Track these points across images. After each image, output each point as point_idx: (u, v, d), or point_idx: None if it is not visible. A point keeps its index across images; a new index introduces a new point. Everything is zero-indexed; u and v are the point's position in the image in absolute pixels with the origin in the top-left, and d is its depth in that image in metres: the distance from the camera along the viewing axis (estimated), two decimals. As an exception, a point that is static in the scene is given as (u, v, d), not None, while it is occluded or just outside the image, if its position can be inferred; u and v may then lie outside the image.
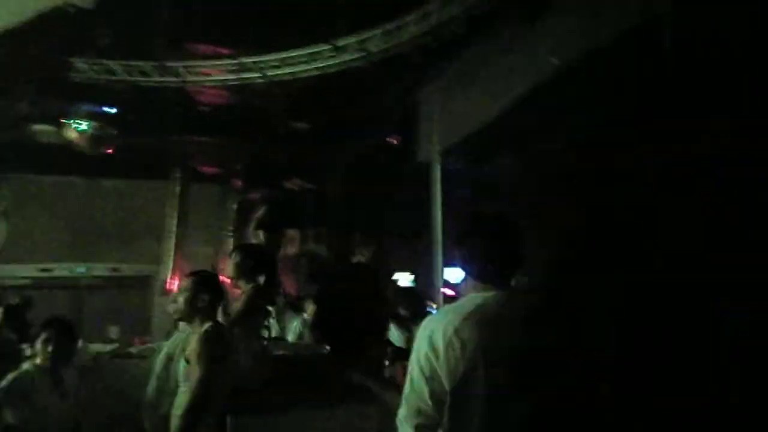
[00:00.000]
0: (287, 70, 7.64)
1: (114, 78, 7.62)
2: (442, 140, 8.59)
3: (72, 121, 8.15)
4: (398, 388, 2.89)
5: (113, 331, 10.08)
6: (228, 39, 7.96)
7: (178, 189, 12.91)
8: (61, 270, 12.39)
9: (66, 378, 2.76)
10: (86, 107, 8.35)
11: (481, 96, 7.66)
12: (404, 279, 15.49)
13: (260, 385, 2.78)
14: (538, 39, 6.36)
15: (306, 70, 7.57)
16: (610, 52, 6.19)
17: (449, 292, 16.11)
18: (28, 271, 12.00)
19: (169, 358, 2.83)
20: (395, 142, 9.83)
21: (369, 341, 3.21)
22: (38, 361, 2.70)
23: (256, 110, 10.86)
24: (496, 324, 1.76)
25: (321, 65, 7.47)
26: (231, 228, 12.96)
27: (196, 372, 2.40)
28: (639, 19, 5.09)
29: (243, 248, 3.60)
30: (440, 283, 9.10)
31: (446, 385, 1.74)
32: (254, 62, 7.68)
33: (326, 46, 7.30)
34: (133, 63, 7.69)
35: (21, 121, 8.98)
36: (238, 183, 13.39)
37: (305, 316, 4.89)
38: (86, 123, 8.12)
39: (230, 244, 13.22)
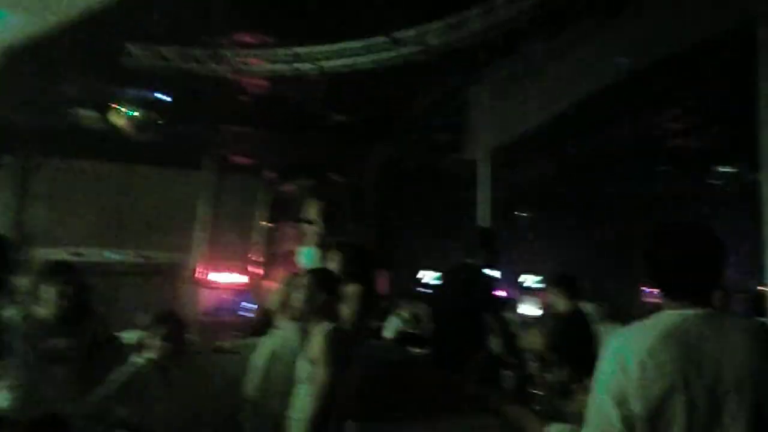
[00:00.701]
0: (342, 61, 7.51)
1: (167, 65, 7.52)
2: (492, 139, 8.45)
3: (121, 106, 8.06)
4: (513, 400, 2.80)
5: (143, 320, 10.03)
6: (281, 28, 7.84)
7: (212, 179, 12.86)
8: (92, 255, 12.36)
9: (174, 375, 2.65)
10: (137, 92, 8.26)
11: (537, 97, 7.51)
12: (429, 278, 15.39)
13: (368, 390, 2.67)
14: (608, 39, 6.21)
15: (362, 62, 7.43)
16: (692, 56, 6.03)
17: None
18: (59, 254, 11.95)
19: (274, 356, 2.72)
20: (443, 139, 9.70)
21: (476, 347, 3.10)
22: (152, 355, 2.60)
23: (295, 101, 10.77)
24: (700, 347, 1.62)
25: (377, 57, 7.34)
26: (267, 220, 12.92)
27: (321, 374, 2.29)
28: (729, 23, 4.91)
29: (348, 247, 3.46)
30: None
31: (638, 410, 1.61)
32: (309, 53, 7.55)
33: (383, 38, 7.16)
34: (186, 50, 7.59)
35: (66, 105, 8.91)
36: (272, 175, 13.32)
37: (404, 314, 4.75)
38: (135, 108, 8.03)
39: (262, 235, 13.22)
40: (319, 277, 2.54)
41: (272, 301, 2.86)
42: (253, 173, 13.16)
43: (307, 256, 4.94)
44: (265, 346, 2.80)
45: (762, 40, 4.59)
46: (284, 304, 2.84)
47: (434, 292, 3.50)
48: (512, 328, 3.18)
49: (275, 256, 13.22)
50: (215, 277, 12.79)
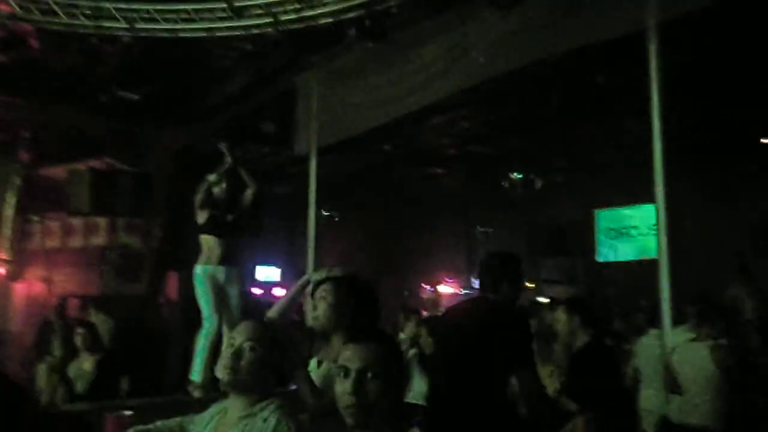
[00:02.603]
0: (164, 26, 6.18)
1: None
2: (321, 137, 7.76)
3: None
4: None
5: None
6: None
7: (-60, 154, 10.05)
8: None
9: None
10: None
11: (378, 96, 6.98)
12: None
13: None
14: (480, 35, 5.91)
15: (190, 30, 6.20)
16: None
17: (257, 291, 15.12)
18: None
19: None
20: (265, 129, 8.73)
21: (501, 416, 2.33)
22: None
23: (73, 66, 8.85)
24: None
25: (210, 26, 6.18)
26: (19, 209, 10.45)
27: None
28: (619, 32, 4.89)
29: (348, 278, 2.40)
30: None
31: None
32: (118, 9, 6.07)
33: (221, 4, 6.04)
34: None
35: None
36: (25, 155, 10.85)
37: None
38: None
39: (12, 228, 10.71)
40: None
41: (223, 365, 1.83)
42: (2, 151, 10.59)
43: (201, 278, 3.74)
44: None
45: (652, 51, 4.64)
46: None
47: (438, 336, 2.60)
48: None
49: (29, 255, 10.84)
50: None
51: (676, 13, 4.81)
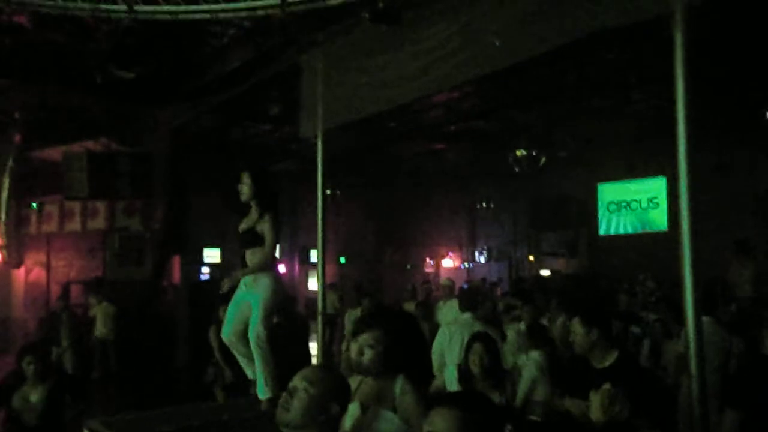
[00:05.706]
0: (164, 7, 5.90)
1: None
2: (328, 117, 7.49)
3: None
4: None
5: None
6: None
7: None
8: None
9: None
10: None
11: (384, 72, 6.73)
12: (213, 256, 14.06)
13: None
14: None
15: (191, 11, 5.93)
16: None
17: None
18: None
19: None
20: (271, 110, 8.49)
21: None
22: None
23: (66, 47, 8.56)
24: None
25: (213, 8, 5.90)
26: (13, 193, 10.18)
27: None
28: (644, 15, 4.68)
29: None
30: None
31: None
32: (117, -10, 5.77)
33: (225, -16, 5.75)
34: None
35: None
36: (18, 136, 10.55)
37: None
38: None
39: (8, 212, 10.47)
40: None
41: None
42: (-7, 133, 10.30)
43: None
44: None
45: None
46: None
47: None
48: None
49: (27, 240, 10.61)
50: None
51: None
